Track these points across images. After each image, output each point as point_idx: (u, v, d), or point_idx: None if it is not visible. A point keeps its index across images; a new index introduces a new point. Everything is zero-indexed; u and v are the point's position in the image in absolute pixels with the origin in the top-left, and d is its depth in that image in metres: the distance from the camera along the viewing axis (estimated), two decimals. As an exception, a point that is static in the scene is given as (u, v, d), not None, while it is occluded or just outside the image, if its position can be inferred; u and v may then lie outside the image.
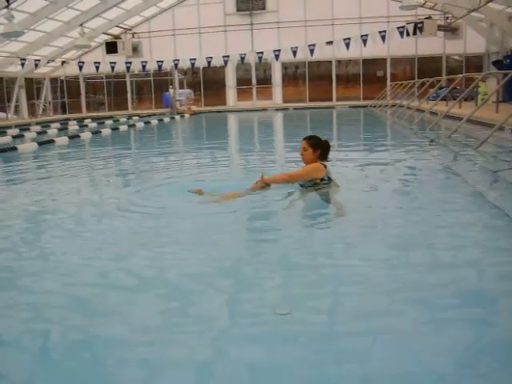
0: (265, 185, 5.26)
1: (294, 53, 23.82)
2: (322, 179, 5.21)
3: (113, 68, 26.04)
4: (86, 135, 15.31)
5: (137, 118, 23.74)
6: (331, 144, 5.57)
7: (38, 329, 2.65)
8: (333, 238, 4.02)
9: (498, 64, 22.28)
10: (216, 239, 4.07)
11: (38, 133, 17.09)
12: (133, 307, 2.86)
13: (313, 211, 4.87)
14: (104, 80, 30.88)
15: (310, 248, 3.81)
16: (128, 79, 30.75)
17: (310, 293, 2.93)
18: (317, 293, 2.93)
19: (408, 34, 23.46)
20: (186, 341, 2.45)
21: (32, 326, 2.68)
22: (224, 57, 25.40)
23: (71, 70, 28.78)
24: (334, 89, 29.31)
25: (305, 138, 5.38)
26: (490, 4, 18.65)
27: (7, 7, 14.90)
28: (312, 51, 23.70)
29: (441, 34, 25.57)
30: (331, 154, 5.56)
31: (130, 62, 26.28)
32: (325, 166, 5.24)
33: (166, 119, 22.36)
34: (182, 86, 29.99)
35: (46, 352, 2.42)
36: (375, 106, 23.45)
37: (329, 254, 3.66)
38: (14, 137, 15.71)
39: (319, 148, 5.29)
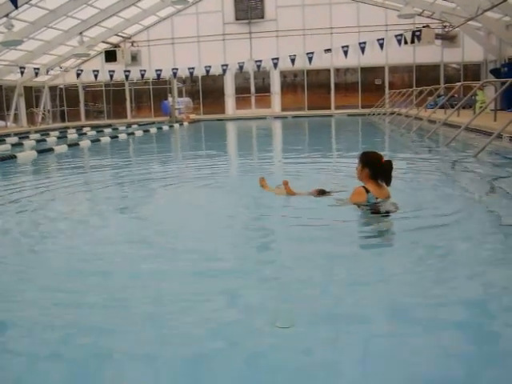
0: (322, 192, 5.24)
1: (293, 61, 23.92)
2: (367, 204, 4.69)
3: (111, 76, 26.15)
4: (85, 143, 15.33)
5: (136, 126, 23.76)
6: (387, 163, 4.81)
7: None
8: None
9: (495, 72, 22.37)
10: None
11: (37, 141, 17.10)
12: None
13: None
14: (103, 88, 30.92)
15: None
16: (127, 87, 30.80)
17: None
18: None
19: (406, 43, 23.60)
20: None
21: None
22: (223, 65, 25.51)
23: (70, 78, 28.90)
24: (333, 97, 29.38)
25: (361, 152, 4.97)
26: (488, 13, 18.75)
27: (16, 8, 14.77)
28: (310, 59, 23.81)
29: (439, 42, 25.71)
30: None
31: (129, 71, 26.36)
32: (367, 191, 4.69)
33: (165, 127, 22.39)
34: (180, 95, 30.05)
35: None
36: (374, 114, 23.51)
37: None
38: (13, 145, 15.71)
39: (367, 166, 4.75)
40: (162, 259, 3.87)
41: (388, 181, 4.77)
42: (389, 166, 4.74)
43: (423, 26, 24.68)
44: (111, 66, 27.00)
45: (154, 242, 4.35)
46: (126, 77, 26.54)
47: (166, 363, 2.35)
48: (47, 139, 17.73)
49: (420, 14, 25.17)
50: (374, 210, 4.66)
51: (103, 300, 3.09)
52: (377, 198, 4.72)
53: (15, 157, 11.64)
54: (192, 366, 2.31)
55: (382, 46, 22.87)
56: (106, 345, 2.54)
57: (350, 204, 4.78)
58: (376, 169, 4.73)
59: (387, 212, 4.68)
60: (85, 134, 20.46)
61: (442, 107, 16.63)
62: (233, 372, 2.26)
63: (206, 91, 30.60)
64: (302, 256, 3.75)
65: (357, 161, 4.88)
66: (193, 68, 25.46)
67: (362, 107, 27.95)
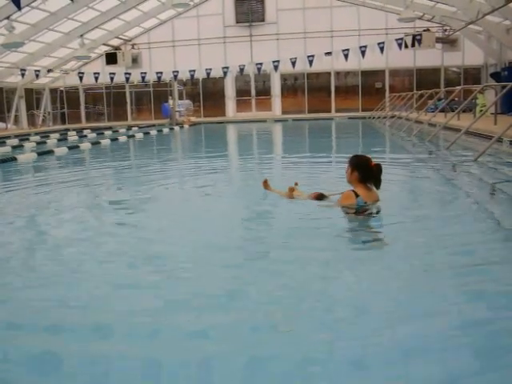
0: (321, 196, 5.22)
1: (293, 64, 23.93)
2: (356, 209, 4.68)
3: (112, 79, 26.16)
4: (85, 146, 15.33)
5: (136, 128, 23.77)
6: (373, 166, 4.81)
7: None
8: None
9: (495, 76, 22.37)
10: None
11: (38, 143, 17.11)
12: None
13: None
14: (103, 91, 30.93)
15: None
16: (127, 90, 30.81)
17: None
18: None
19: (406, 46, 23.61)
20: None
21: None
22: (223, 68, 25.52)
23: (71, 80, 28.88)
24: (333, 100, 29.38)
25: (352, 155, 4.96)
26: (488, 16, 18.75)
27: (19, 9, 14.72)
28: (311, 62, 23.81)
29: (439, 46, 25.71)
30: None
31: (130, 73, 26.39)
32: (356, 195, 4.69)
33: (166, 130, 22.40)
34: (181, 97, 30.06)
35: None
36: (374, 118, 23.51)
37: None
38: (14, 147, 15.73)
39: (356, 169, 4.75)
40: (160, 261, 3.88)
41: (378, 184, 4.79)
42: (378, 169, 4.76)
43: (423, 30, 24.69)
44: (112, 68, 27.02)
45: (150, 247, 4.35)
46: (127, 79, 26.56)
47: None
48: (47, 141, 17.73)
49: (420, 18, 25.19)
50: (360, 213, 4.66)
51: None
52: (366, 202, 4.72)
53: (15, 159, 11.65)
54: (193, 369, 2.31)
55: (382, 49, 22.88)
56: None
57: (339, 207, 4.80)
58: (366, 172, 4.75)
59: (371, 214, 4.69)
60: (85, 136, 20.46)
61: (442, 111, 16.63)
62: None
63: (206, 94, 30.59)
64: (296, 260, 3.75)
65: (346, 164, 4.90)
66: (193, 70, 25.47)
67: (363, 110, 27.93)
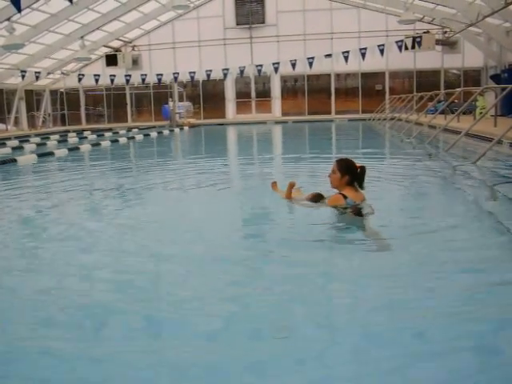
0: (318, 197, 5.23)
1: (293, 66, 23.94)
2: (346, 207, 4.79)
3: (112, 80, 26.16)
4: (85, 147, 15.33)
5: (136, 130, 23.77)
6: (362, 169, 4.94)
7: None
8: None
9: (495, 78, 22.39)
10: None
11: (38, 144, 17.11)
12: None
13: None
14: (104, 92, 30.94)
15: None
16: (128, 92, 30.81)
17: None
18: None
19: (406, 48, 23.64)
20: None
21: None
22: (223, 70, 25.53)
23: (71, 82, 28.89)
24: (333, 102, 29.38)
25: (337, 160, 5.01)
26: (488, 19, 18.79)
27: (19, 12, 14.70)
28: (311, 64, 23.84)
29: (439, 48, 25.75)
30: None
31: (130, 75, 26.40)
32: (344, 197, 4.80)
33: (166, 132, 22.40)
34: (181, 99, 30.07)
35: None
36: (374, 120, 23.52)
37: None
38: (14, 148, 15.73)
39: (347, 174, 4.86)
40: (159, 263, 3.88)
41: (362, 184, 4.95)
42: (363, 170, 4.93)
43: (424, 32, 24.72)
44: (112, 70, 27.03)
45: (150, 250, 4.34)
46: (127, 81, 26.55)
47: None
48: (48, 143, 17.73)
49: (420, 20, 25.21)
50: (356, 213, 4.74)
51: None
52: (355, 202, 4.84)
53: (15, 160, 11.65)
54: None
55: (382, 52, 22.92)
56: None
57: (328, 206, 4.88)
58: (354, 175, 4.90)
59: (367, 214, 4.77)
60: (85, 137, 20.46)
61: (442, 113, 16.65)
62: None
63: (206, 95, 30.60)
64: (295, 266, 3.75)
65: (332, 169, 4.95)
66: (194, 72, 25.49)
67: (363, 112, 27.92)
